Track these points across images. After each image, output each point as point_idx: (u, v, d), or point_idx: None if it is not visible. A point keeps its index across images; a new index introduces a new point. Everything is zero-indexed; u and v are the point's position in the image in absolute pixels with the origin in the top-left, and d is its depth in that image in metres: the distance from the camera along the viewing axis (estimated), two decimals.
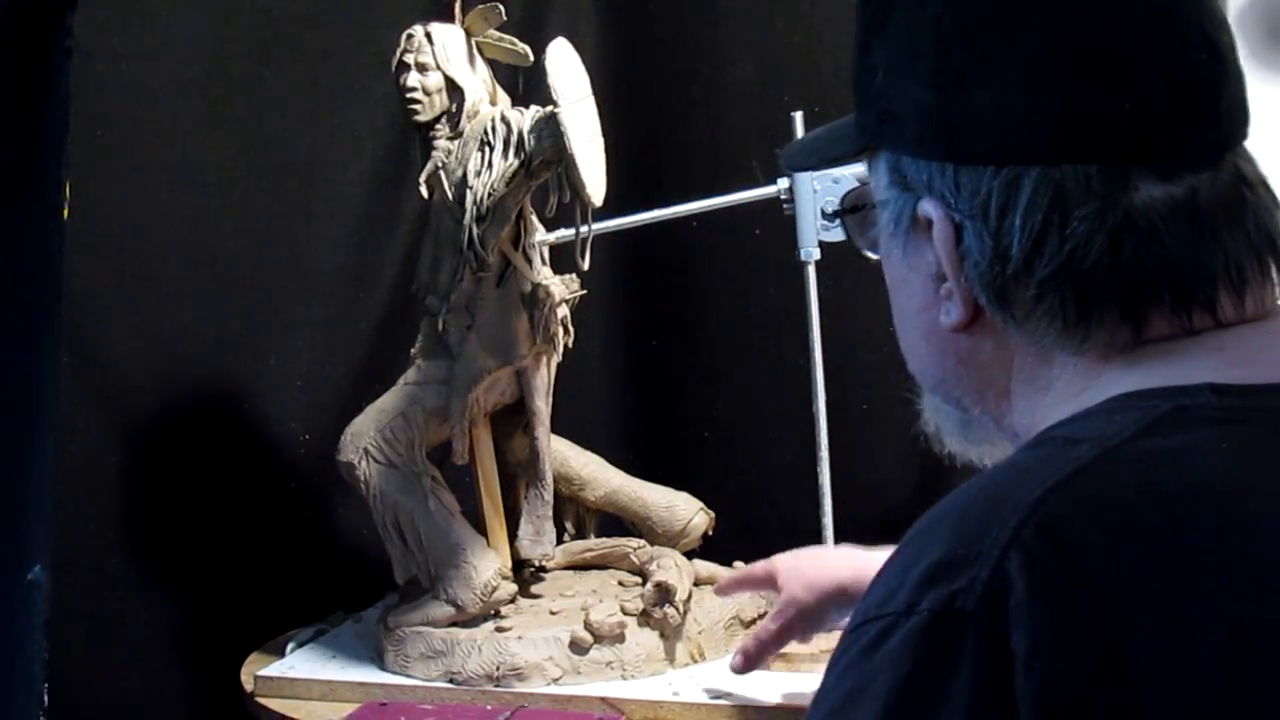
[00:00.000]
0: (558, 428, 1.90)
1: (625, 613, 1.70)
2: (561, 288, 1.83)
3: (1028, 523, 0.66)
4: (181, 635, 1.96)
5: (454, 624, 1.73)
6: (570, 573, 1.92)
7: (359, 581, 1.96)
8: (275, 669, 1.78)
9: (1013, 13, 0.76)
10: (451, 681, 1.70)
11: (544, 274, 1.82)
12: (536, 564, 1.90)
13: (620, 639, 1.68)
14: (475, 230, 1.73)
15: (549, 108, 1.67)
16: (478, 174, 1.70)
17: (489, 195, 1.70)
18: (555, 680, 1.67)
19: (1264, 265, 0.77)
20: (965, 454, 0.90)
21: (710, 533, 1.91)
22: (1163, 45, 0.76)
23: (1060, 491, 0.68)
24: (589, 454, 1.96)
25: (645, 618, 1.71)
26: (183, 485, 1.97)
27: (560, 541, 1.92)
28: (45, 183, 0.91)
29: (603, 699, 1.64)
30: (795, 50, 2.11)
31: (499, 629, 1.71)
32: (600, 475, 1.95)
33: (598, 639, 1.68)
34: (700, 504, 1.92)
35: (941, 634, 0.66)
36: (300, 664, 1.79)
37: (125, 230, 1.92)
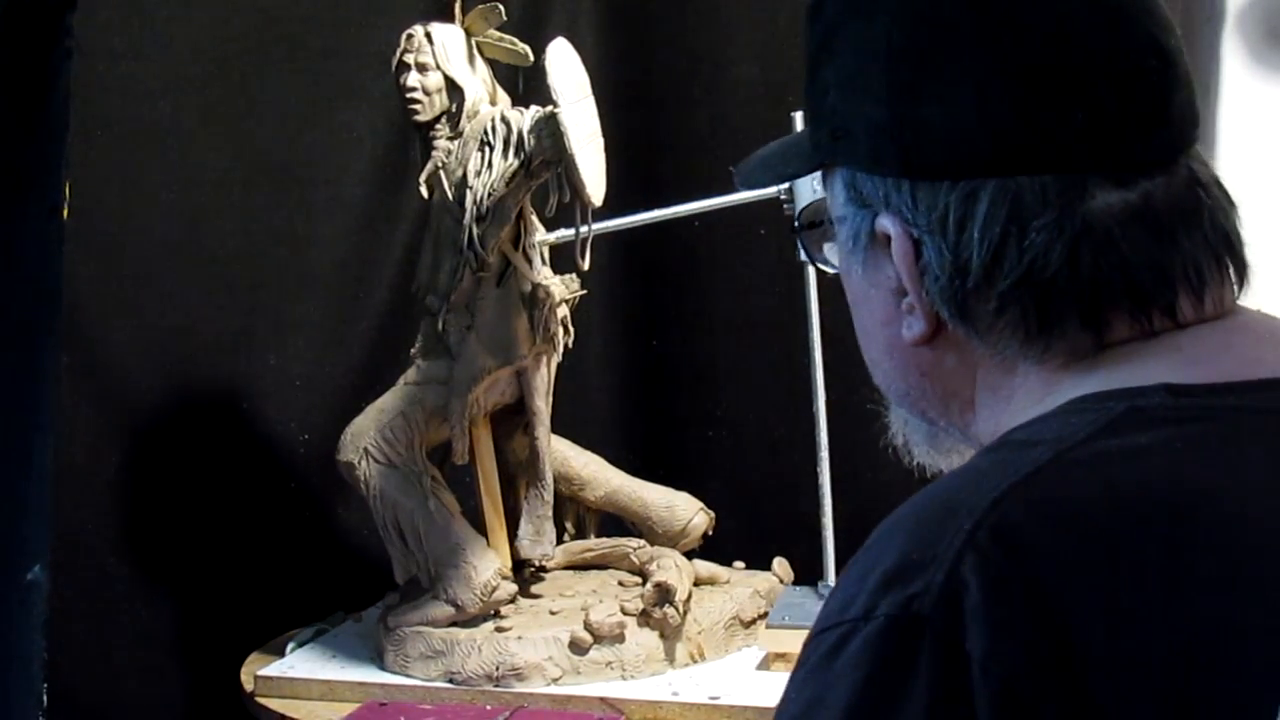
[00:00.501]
0: (558, 428, 1.90)
1: (625, 613, 1.70)
2: (562, 288, 1.83)
3: (982, 525, 0.67)
4: (181, 635, 1.96)
5: (454, 624, 1.73)
6: (570, 573, 1.92)
7: (359, 581, 1.96)
8: (275, 669, 1.78)
9: (961, 28, 0.76)
10: (451, 681, 1.70)
11: (544, 274, 1.82)
12: (537, 564, 1.90)
13: (620, 639, 1.68)
14: (475, 230, 1.73)
15: (549, 108, 1.67)
16: (478, 174, 1.70)
17: (489, 195, 1.70)
18: (555, 680, 1.67)
19: (1221, 265, 0.78)
20: (935, 465, 0.90)
21: (710, 533, 1.91)
22: (1111, 53, 0.76)
23: (1014, 494, 0.68)
24: (589, 454, 1.96)
25: (645, 618, 1.70)
26: (182, 485, 1.97)
27: (560, 541, 1.93)
28: (45, 183, 0.91)
29: (602, 699, 1.64)
30: (797, 50, 2.10)
31: (499, 629, 1.71)
32: (600, 475, 1.95)
33: (597, 639, 1.68)
34: (700, 504, 1.91)
35: (899, 638, 0.66)
36: (300, 664, 1.79)
37: (125, 230, 1.92)
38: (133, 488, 1.93)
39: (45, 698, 0.93)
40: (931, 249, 0.78)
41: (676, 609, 1.69)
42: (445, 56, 1.74)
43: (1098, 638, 0.64)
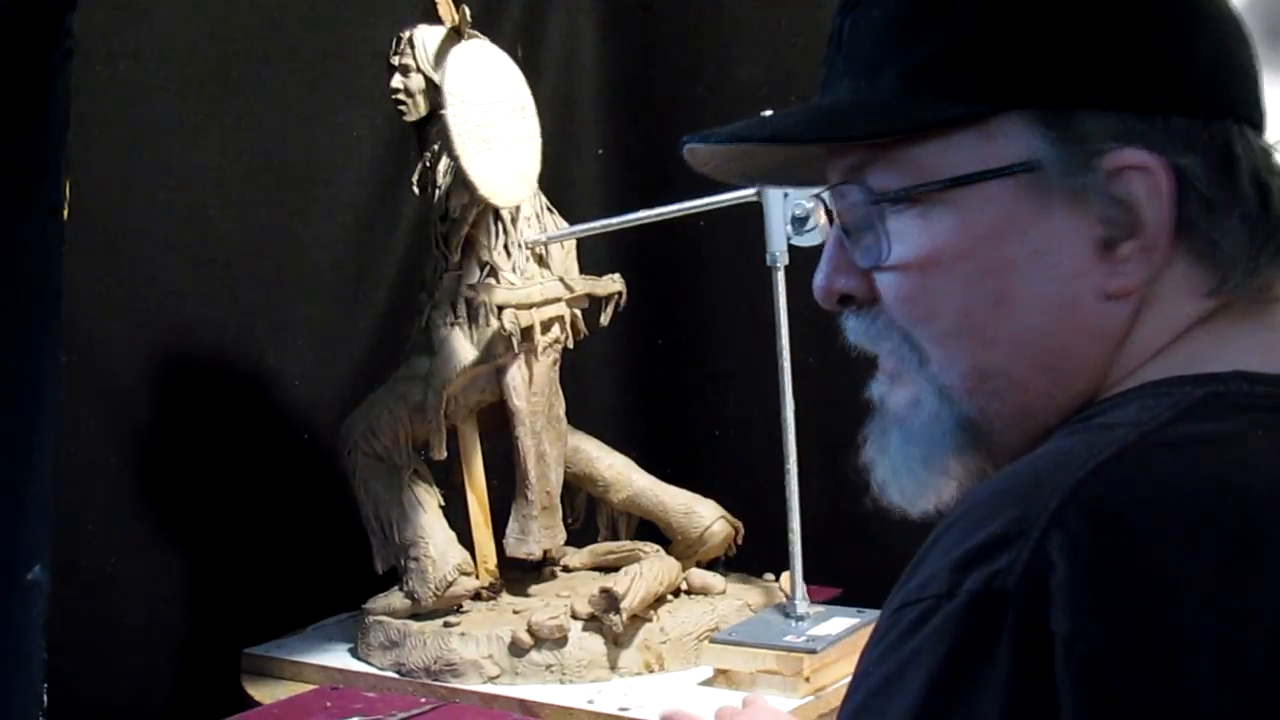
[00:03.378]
0: None
1: (575, 616, 1.70)
2: (559, 287, 1.83)
3: (1069, 504, 0.67)
4: (182, 635, 1.95)
5: (413, 616, 1.76)
6: (595, 574, 1.92)
7: (359, 581, 1.96)
8: (262, 648, 1.85)
9: None
10: (398, 672, 1.73)
11: (536, 274, 1.82)
12: (559, 563, 1.92)
13: (562, 642, 1.67)
14: (439, 228, 1.78)
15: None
16: (444, 173, 1.74)
17: (447, 194, 1.74)
18: (493, 679, 1.68)
19: None
20: (902, 500, 0.85)
21: (740, 541, 1.90)
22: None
23: (1100, 473, 0.68)
24: (617, 455, 1.97)
25: (596, 622, 1.70)
26: (182, 485, 1.97)
27: (594, 542, 1.96)
28: (45, 183, 0.91)
29: (521, 701, 1.64)
30: (800, 50, 2.10)
31: (446, 624, 1.73)
32: (624, 477, 1.95)
33: (538, 641, 1.67)
34: (723, 512, 1.90)
35: (982, 614, 0.66)
36: (290, 645, 1.86)
37: (125, 230, 1.92)
38: (133, 488, 1.93)
39: (45, 698, 0.93)
40: (1206, 182, 0.77)
41: (621, 616, 1.67)
42: (425, 58, 1.77)
43: (1187, 622, 0.64)
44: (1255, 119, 0.81)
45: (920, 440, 0.83)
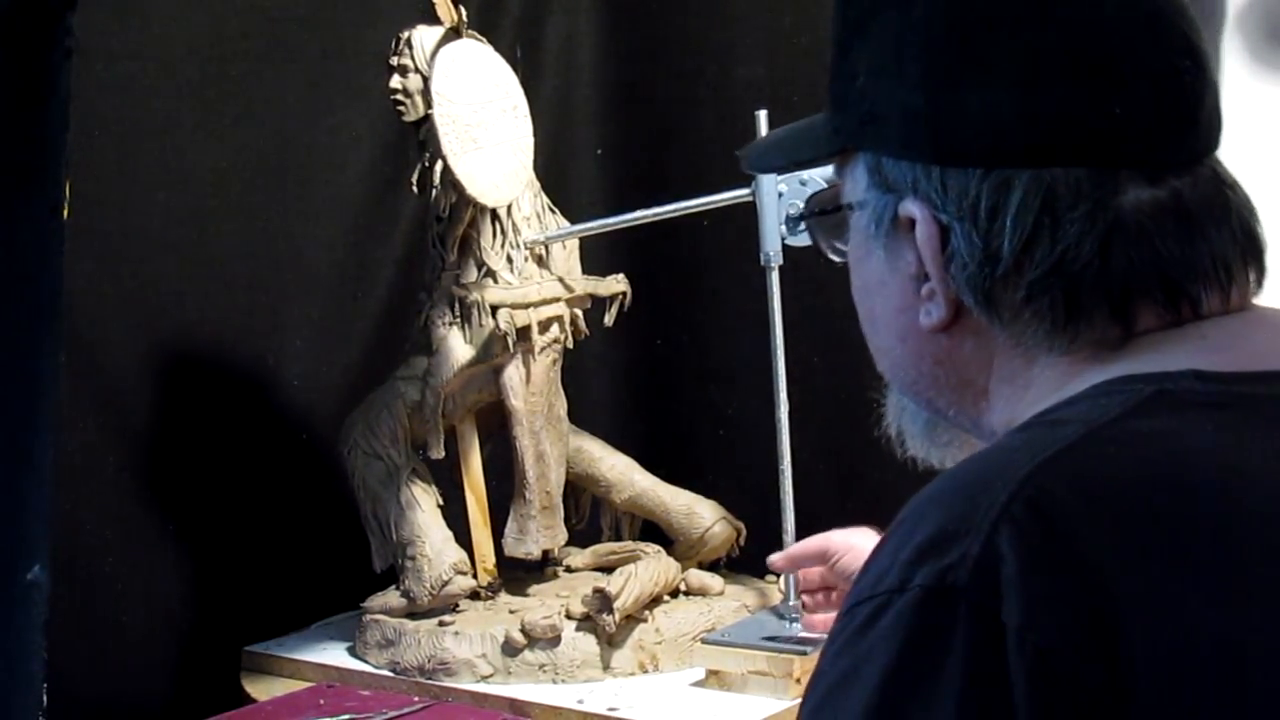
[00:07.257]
0: None
1: (569, 616, 1.70)
2: (557, 287, 1.83)
3: (1017, 497, 0.68)
4: (182, 635, 1.95)
5: (409, 615, 1.77)
6: (597, 574, 1.92)
7: (360, 580, 1.96)
8: (262, 646, 1.86)
9: (1003, 18, 0.77)
10: (393, 671, 1.73)
11: (535, 274, 1.82)
12: (561, 563, 1.93)
13: (555, 642, 1.67)
14: (435, 228, 1.80)
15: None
16: (439, 173, 1.75)
17: (443, 193, 1.76)
18: (485, 678, 1.68)
19: (1246, 261, 0.79)
20: (928, 457, 0.91)
21: (742, 543, 1.89)
22: (1150, 51, 0.77)
23: (1048, 468, 0.69)
24: (620, 455, 1.97)
25: (590, 622, 1.69)
26: (182, 485, 1.97)
27: (598, 542, 1.96)
28: (45, 183, 0.91)
29: (511, 701, 1.64)
30: (802, 50, 2.10)
31: (441, 623, 1.74)
32: (626, 477, 1.95)
33: (531, 640, 1.67)
34: (724, 513, 1.90)
35: (934, 609, 0.67)
36: (291, 643, 1.87)
37: (124, 230, 1.92)
38: (132, 488, 1.93)
39: (45, 698, 0.93)
40: (960, 235, 0.79)
41: (614, 616, 1.67)
42: (424, 58, 1.78)
43: (1133, 611, 0.65)
44: (1114, 157, 0.76)
45: (912, 418, 0.90)
